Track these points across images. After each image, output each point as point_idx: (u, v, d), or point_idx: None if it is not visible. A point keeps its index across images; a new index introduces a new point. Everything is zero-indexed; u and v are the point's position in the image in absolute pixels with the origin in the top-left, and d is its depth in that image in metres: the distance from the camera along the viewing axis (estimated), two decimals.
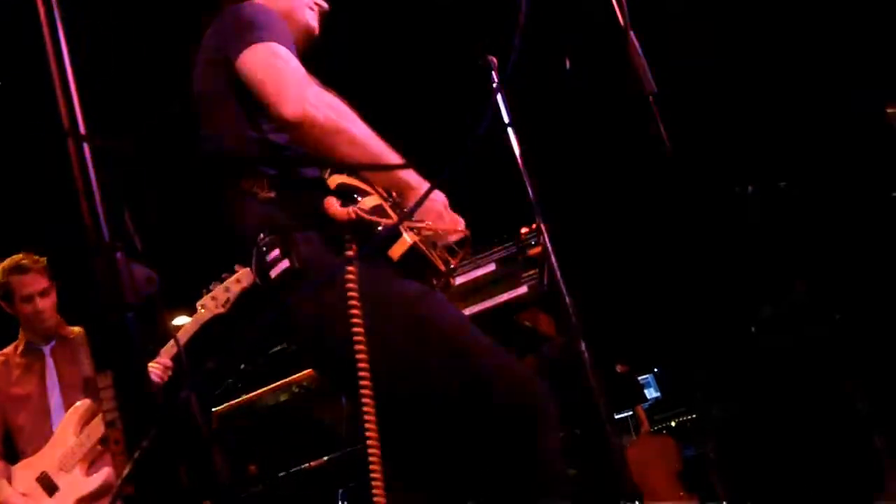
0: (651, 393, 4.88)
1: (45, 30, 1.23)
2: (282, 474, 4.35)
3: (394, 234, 2.07)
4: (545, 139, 3.01)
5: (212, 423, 4.45)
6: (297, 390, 4.31)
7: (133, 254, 1.45)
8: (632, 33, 2.56)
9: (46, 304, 4.18)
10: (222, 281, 3.74)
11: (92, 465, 3.93)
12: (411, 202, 2.27)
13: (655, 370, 4.84)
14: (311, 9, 2.49)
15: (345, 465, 3.97)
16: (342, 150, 2.12)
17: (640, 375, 4.79)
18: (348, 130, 2.14)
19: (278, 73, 2.10)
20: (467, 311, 3.68)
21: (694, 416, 4.44)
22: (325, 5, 2.54)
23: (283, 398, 4.36)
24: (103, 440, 3.93)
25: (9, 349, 4.28)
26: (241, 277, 3.73)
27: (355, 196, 2.08)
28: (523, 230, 3.70)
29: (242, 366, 4.65)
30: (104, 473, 3.89)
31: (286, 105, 2.07)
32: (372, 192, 2.17)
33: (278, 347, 4.53)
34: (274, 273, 2.08)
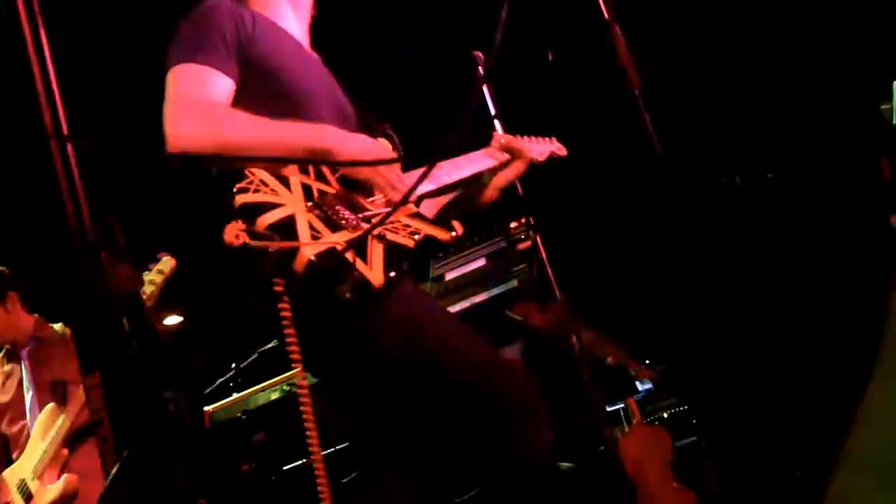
0: (643, 385, 4.89)
1: (26, 28, 1.22)
2: (274, 473, 4.35)
3: (290, 251, 2.01)
4: (532, 132, 3.00)
5: (204, 422, 4.44)
6: (288, 388, 4.31)
7: (118, 254, 1.45)
8: (616, 27, 2.56)
9: (4, 315, 4.18)
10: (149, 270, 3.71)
11: (62, 469, 3.94)
12: (344, 157, 2.22)
13: (647, 361, 4.85)
14: None
15: (336, 463, 3.97)
16: (231, 159, 2.14)
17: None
18: (231, 138, 2.13)
19: (167, 106, 2.16)
20: (458, 307, 3.68)
21: (686, 406, 4.44)
22: None
23: (274, 396, 4.35)
24: (69, 442, 3.95)
25: None
26: (164, 267, 3.74)
27: (256, 214, 2.03)
28: (513, 225, 3.70)
29: (234, 364, 4.64)
30: (63, 482, 3.90)
31: (167, 143, 2.14)
32: (283, 202, 2.10)
33: (269, 345, 4.52)
34: None
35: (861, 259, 4.66)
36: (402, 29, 2.71)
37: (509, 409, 2.15)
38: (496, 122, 3.07)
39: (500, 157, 2.83)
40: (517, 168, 2.85)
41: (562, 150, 3.14)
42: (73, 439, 4.02)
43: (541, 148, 3.04)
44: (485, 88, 3.47)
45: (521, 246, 3.66)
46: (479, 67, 3.47)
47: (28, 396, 4.15)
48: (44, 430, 3.95)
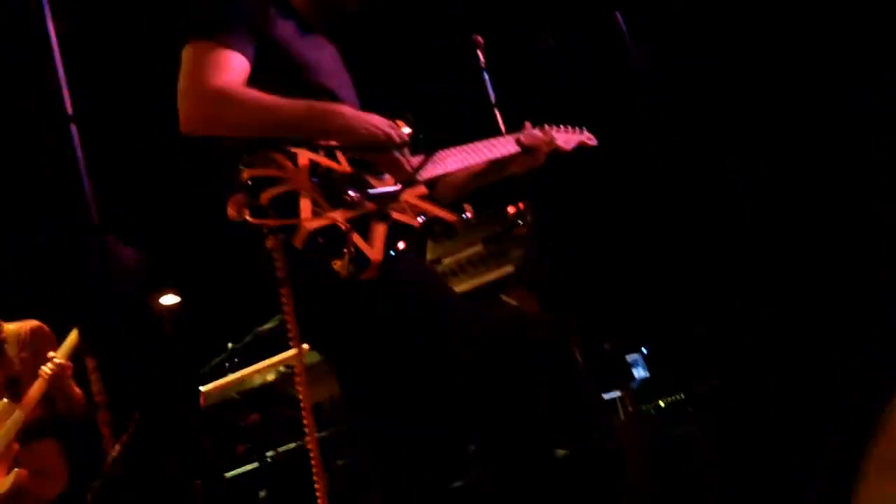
0: (639, 372, 4.89)
1: (31, 11, 1.21)
2: (270, 454, 4.36)
3: (291, 226, 2.04)
4: (529, 118, 2.99)
5: (199, 403, 4.44)
6: (284, 370, 4.31)
7: (122, 236, 1.45)
8: (617, 13, 2.56)
9: None
10: None
11: (12, 465, 4.01)
12: (351, 143, 2.26)
13: (643, 349, 4.86)
14: None
15: (332, 445, 3.98)
16: (240, 135, 2.18)
17: (627, 354, 4.80)
18: (236, 119, 2.19)
19: (182, 86, 2.23)
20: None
21: (683, 395, 4.45)
22: None
23: (270, 378, 4.35)
24: (21, 438, 4.05)
25: None
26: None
27: (260, 189, 2.07)
28: (510, 209, 3.69)
29: (230, 345, 4.64)
30: (14, 476, 3.97)
31: (181, 124, 2.21)
32: (289, 177, 2.12)
33: (265, 327, 4.52)
34: None
35: (861, 252, 4.68)
36: (400, 14, 2.71)
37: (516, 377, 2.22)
38: (495, 111, 3.07)
39: (522, 145, 2.83)
40: (535, 158, 2.86)
41: (591, 141, 3.17)
42: (27, 435, 4.09)
43: (568, 137, 3.06)
44: (485, 76, 3.47)
45: (518, 231, 3.67)
46: (479, 51, 3.47)
47: None
48: None
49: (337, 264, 2.03)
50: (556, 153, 2.95)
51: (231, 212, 2.03)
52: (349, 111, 2.30)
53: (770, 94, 5.04)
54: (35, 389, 4.10)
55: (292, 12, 2.49)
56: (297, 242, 2.02)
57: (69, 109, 1.14)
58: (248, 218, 2.01)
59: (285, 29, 2.40)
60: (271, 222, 2.02)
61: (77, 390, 4.27)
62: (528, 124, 2.91)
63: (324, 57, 2.52)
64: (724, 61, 5.02)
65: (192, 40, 2.25)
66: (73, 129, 1.20)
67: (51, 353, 4.10)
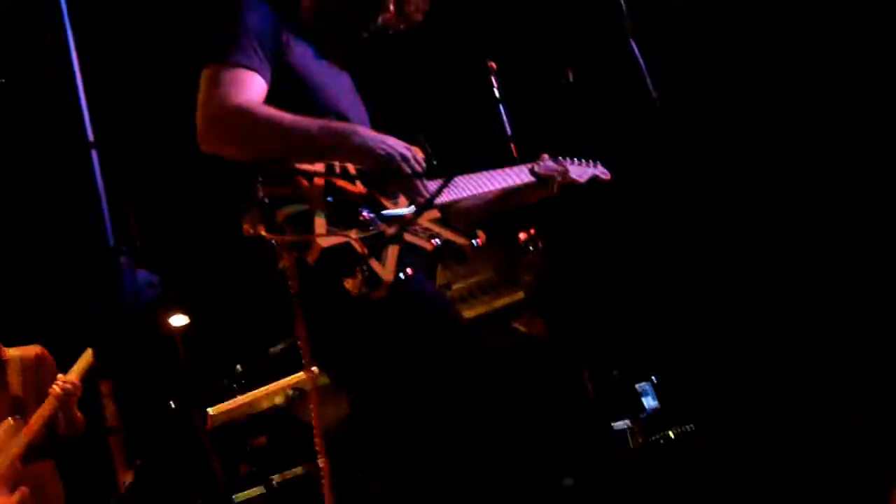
0: (649, 402, 4.86)
1: (52, 37, 1.22)
2: (275, 477, 4.34)
3: (304, 242, 2.07)
4: (545, 148, 3.01)
5: (206, 424, 4.44)
6: (291, 393, 4.30)
7: (136, 259, 1.45)
8: (633, 42, 2.56)
9: None
10: None
11: (15, 484, 4.03)
12: (361, 160, 2.28)
13: (654, 378, 4.84)
14: None
15: (338, 469, 3.96)
16: (259, 153, 2.21)
17: (637, 383, 4.78)
18: (256, 136, 2.21)
19: (201, 106, 2.25)
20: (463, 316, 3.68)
21: (692, 426, 4.42)
22: None
23: (277, 401, 4.34)
24: (25, 458, 4.08)
25: None
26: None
27: (276, 206, 2.09)
28: (521, 236, 3.69)
29: (238, 367, 4.63)
30: (18, 495, 4.00)
31: (200, 143, 2.24)
32: (304, 196, 2.15)
33: (274, 349, 4.52)
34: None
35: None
36: (415, 37, 2.72)
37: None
38: (511, 144, 3.09)
39: (536, 175, 2.86)
40: (549, 190, 2.88)
41: (605, 175, 3.19)
42: (28, 457, 4.11)
43: (582, 170, 3.08)
44: (501, 108, 3.49)
45: (529, 257, 3.67)
46: (493, 77, 3.48)
47: None
48: (1, 446, 4.06)
49: (349, 283, 2.04)
50: (570, 185, 2.97)
51: (246, 227, 2.06)
52: (366, 131, 2.33)
53: (789, 125, 5.04)
54: (43, 409, 4.14)
55: (308, 38, 2.52)
56: (311, 259, 2.05)
57: (90, 136, 1.15)
58: (263, 233, 2.03)
59: (301, 53, 2.44)
60: (286, 238, 2.04)
61: (79, 415, 4.33)
62: (545, 155, 2.93)
63: (337, 83, 2.56)
64: (740, 89, 5.03)
65: (210, 63, 2.28)
66: (94, 154, 1.22)
67: (61, 375, 4.14)
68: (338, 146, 2.26)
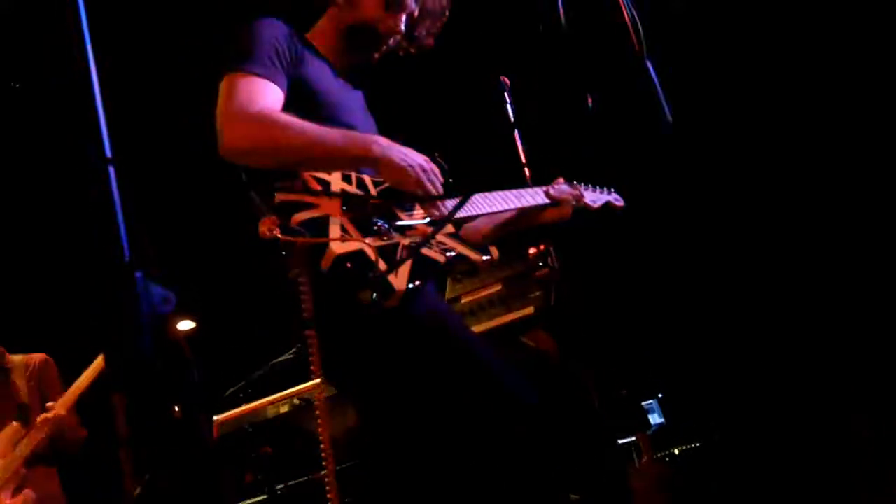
0: (655, 419, 4.85)
1: (75, 51, 1.23)
2: (280, 487, 4.34)
3: (320, 247, 2.08)
4: (557, 164, 3.03)
5: (213, 433, 4.44)
6: (298, 402, 4.30)
7: (150, 273, 1.46)
8: (648, 63, 2.56)
9: None
10: None
11: (17, 489, 4.07)
12: (384, 170, 2.30)
13: (660, 395, 4.83)
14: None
15: (344, 479, 3.95)
16: (281, 159, 2.23)
17: (644, 400, 4.76)
18: (278, 140, 2.23)
19: (222, 110, 2.28)
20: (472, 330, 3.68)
21: (699, 443, 4.42)
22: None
23: (283, 410, 4.34)
24: (28, 463, 4.11)
25: None
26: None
27: (292, 212, 2.11)
28: (531, 251, 3.70)
29: (245, 375, 4.64)
30: (22, 497, 4.04)
31: (221, 146, 2.26)
32: (320, 203, 2.17)
33: (281, 359, 4.52)
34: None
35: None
36: (431, 60, 2.76)
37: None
38: (525, 169, 3.12)
39: (551, 198, 2.87)
40: (562, 212, 2.89)
41: (619, 202, 3.21)
42: (31, 463, 4.16)
43: (597, 196, 3.11)
44: (511, 116, 3.50)
45: (540, 273, 3.66)
46: (507, 93, 3.49)
47: None
48: (4, 449, 4.10)
49: (361, 289, 2.06)
50: (584, 210, 3.00)
51: (262, 230, 2.06)
52: (388, 141, 2.34)
53: (807, 148, 5.06)
54: (44, 421, 4.17)
55: (321, 55, 2.57)
56: (324, 264, 2.06)
57: (108, 152, 1.16)
58: (278, 234, 2.04)
59: (315, 69, 2.48)
60: (301, 240, 2.05)
61: (82, 432, 4.36)
62: (560, 179, 2.96)
63: (350, 100, 2.59)
64: (756, 113, 5.04)
65: (228, 72, 2.31)
66: (112, 170, 1.22)
67: (50, 404, 4.18)
68: (361, 155, 2.28)
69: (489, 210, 2.61)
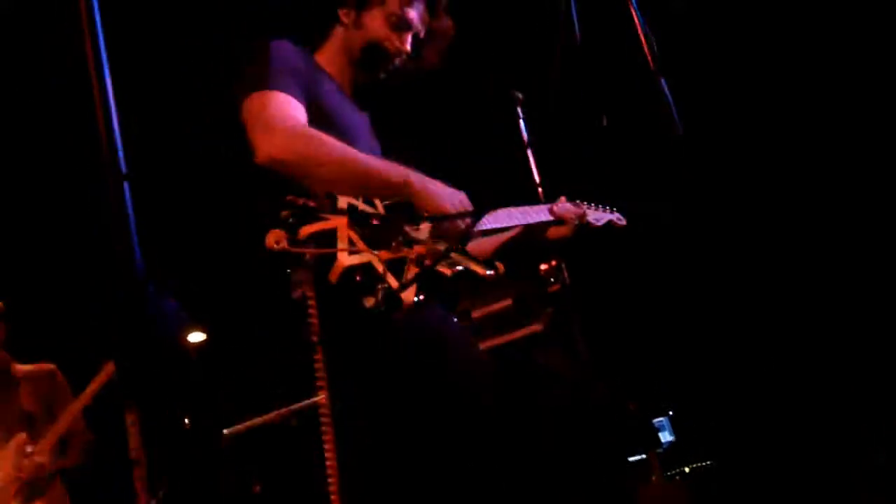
0: (666, 437, 4.84)
1: (91, 69, 1.24)
2: (288, 497, 4.33)
3: (328, 258, 2.07)
4: (570, 182, 3.04)
5: (221, 443, 4.44)
6: (307, 415, 4.30)
7: (163, 288, 1.46)
8: (661, 78, 2.56)
9: None
10: None
11: (27, 500, 4.08)
12: (421, 201, 2.31)
13: (671, 413, 4.82)
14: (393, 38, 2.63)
15: (352, 492, 3.94)
16: (318, 174, 2.24)
17: (654, 418, 4.76)
18: (316, 157, 2.24)
19: (255, 123, 2.29)
20: (481, 346, 3.68)
21: (709, 462, 4.40)
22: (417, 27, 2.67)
23: (293, 422, 4.34)
24: (43, 476, 4.13)
25: None
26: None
27: (299, 225, 2.11)
28: (542, 267, 3.70)
29: (254, 387, 4.64)
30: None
31: (258, 154, 2.25)
32: (328, 216, 2.17)
33: (291, 371, 4.52)
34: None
35: None
36: (443, 69, 2.77)
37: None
38: (539, 189, 3.13)
39: (554, 215, 2.89)
40: (564, 231, 2.90)
41: (621, 221, 3.22)
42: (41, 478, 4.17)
43: (599, 215, 3.12)
44: (523, 130, 3.51)
45: (550, 289, 3.66)
46: (519, 107, 3.51)
47: None
48: (15, 458, 4.12)
49: (368, 301, 2.06)
50: (586, 228, 3.01)
51: (269, 242, 2.06)
52: (421, 175, 2.35)
53: (820, 163, 5.05)
54: (52, 434, 4.18)
55: (330, 77, 2.59)
56: (333, 277, 2.06)
57: (124, 168, 1.16)
58: (286, 246, 2.05)
59: (327, 90, 2.51)
60: (309, 251, 2.05)
61: (89, 436, 4.38)
62: (563, 198, 2.97)
63: (358, 122, 2.61)
64: (768, 131, 5.04)
65: (254, 91, 2.33)
66: (126, 187, 1.22)
67: (29, 448, 4.16)
68: (398, 183, 2.30)
69: (494, 226, 2.62)
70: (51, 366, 4.56)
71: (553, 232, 2.90)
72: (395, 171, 2.32)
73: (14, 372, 4.46)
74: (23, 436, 4.18)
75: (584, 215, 2.98)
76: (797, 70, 5.17)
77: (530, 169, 3.36)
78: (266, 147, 2.25)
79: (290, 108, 2.30)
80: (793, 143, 5.09)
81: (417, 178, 2.31)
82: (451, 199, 2.34)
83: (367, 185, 2.28)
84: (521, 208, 2.78)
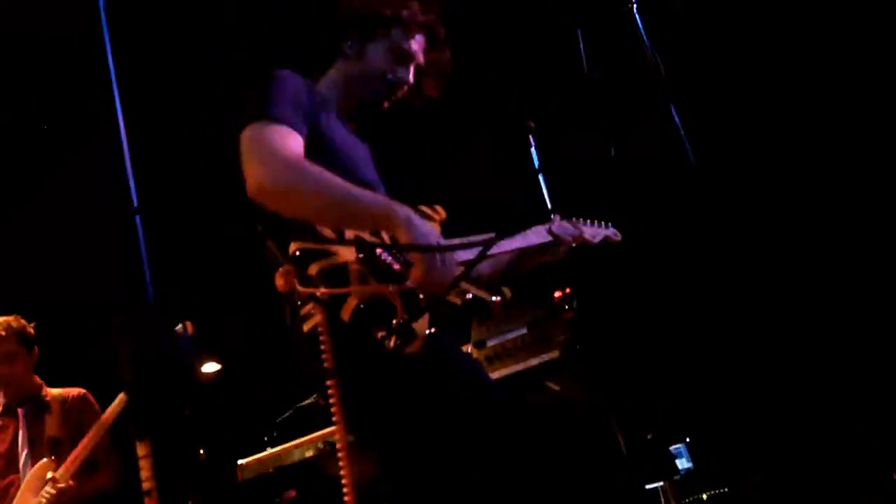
0: (683, 463, 4.79)
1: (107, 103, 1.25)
2: None
3: (340, 297, 2.05)
4: (580, 210, 3.05)
5: (235, 476, 4.43)
6: (322, 446, 4.28)
7: (175, 316, 1.46)
8: (672, 105, 2.57)
9: (8, 370, 4.33)
10: None
11: None
12: (402, 237, 2.17)
13: (688, 440, 4.77)
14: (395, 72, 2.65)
15: None
16: (311, 207, 2.19)
17: (671, 445, 4.71)
18: (314, 187, 2.18)
19: (251, 154, 2.24)
20: (497, 374, 3.67)
21: (727, 489, 4.36)
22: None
23: (308, 454, 4.33)
24: (65, 501, 4.06)
25: None
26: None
27: (309, 261, 2.08)
28: (556, 294, 3.69)
29: (270, 418, 4.63)
30: None
31: (251, 187, 2.20)
32: (336, 251, 2.15)
33: (307, 401, 4.52)
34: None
35: None
36: (452, 98, 2.78)
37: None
38: (553, 215, 3.13)
39: (553, 236, 2.88)
40: (557, 252, 2.91)
41: (616, 236, 3.22)
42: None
43: (595, 231, 3.11)
44: (535, 158, 3.53)
45: (564, 316, 3.65)
46: (532, 137, 3.52)
47: (24, 454, 4.32)
48: (38, 483, 4.08)
49: (382, 334, 2.04)
50: (584, 246, 3.02)
51: (279, 282, 2.04)
52: (409, 210, 2.25)
53: (824, 169, 5.03)
54: (74, 462, 4.17)
55: (332, 107, 2.59)
56: (345, 315, 2.04)
57: (135, 202, 1.17)
58: (297, 287, 2.03)
59: (330, 121, 2.51)
60: (321, 291, 2.04)
61: (115, 465, 4.37)
62: (556, 216, 2.97)
63: (359, 152, 2.60)
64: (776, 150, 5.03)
65: (255, 121, 2.30)
66: (138, 219, 1.23)
67: (50, 474, 4.13)
68: (391, 217, 2.18)
69: (497, 250, 2.61)
70: (81, 390, 4.56)
71: (549, 252, 2.91)
72: (378, 204, 2.22)
73: (45, 395, 4.45)
74: (46, 461, 4.17)
75: (580, 233, 2.99)
76: (800, 76, 5.16)
77: (542, 196, 3.36)
78: (258, 181, 2.20)
79: (288, 140, 2.27)
80: (796, 153, 5.08)
81: (402, 212, 2.19)
82: (430, 236, 2.20)
83: (357, 221, 2.23)
84: (521, 233, 2.78)
